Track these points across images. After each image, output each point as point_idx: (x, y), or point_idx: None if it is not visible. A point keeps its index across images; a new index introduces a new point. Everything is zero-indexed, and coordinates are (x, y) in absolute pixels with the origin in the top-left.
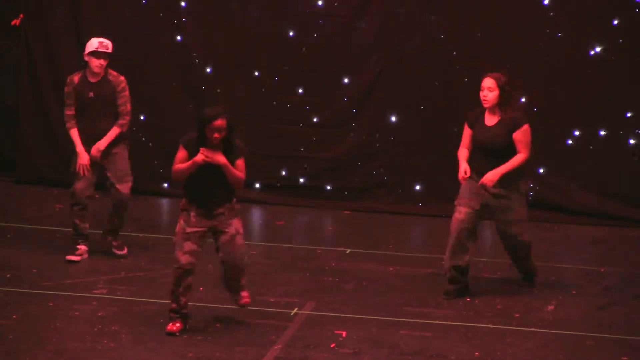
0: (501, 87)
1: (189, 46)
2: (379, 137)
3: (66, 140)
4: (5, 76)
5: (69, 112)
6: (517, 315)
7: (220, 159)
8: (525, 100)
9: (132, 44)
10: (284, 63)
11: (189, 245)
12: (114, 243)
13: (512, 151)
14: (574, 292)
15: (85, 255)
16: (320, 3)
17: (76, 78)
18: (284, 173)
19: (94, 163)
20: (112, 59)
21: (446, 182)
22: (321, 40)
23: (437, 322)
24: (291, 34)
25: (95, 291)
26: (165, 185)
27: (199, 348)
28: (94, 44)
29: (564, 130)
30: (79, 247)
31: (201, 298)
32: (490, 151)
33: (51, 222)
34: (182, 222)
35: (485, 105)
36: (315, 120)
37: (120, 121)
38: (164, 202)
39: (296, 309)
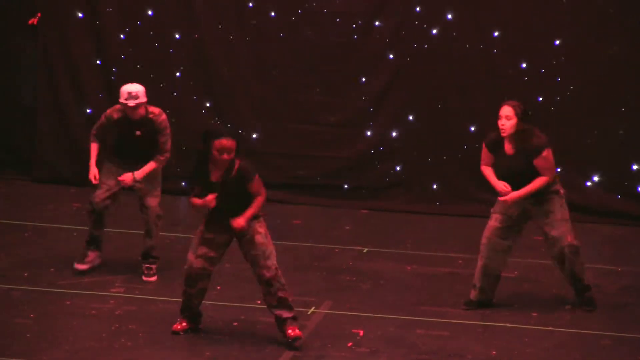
0: (519, 115)
1: (206, 45)
2: (396, 136)
3: (83, 138)
4: (22, 76)
5: (94, 132)
6: (534, 314)
7: (242, 223)
8: (542, 100)
9: (149, 43)
10: (301, 62)
11: (203, 250)
12: (145, 268)
13: (533, 176)
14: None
15: (97, 261)
16: (337, 2)
17: (116, 115)
18: (300, 172)
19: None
20: (129, 58)
21: (463, 181)
22: (338, 39)
23: (454, 321)
24: (308, 33)
25: (113, 290)
26: (183, 183)
27: (216, 347)
28: (123, 94)
29: (581, 129)
30: (89, 253)
31: (218, 297)
32: (511, 180)
33: (68, 221)
34: (202, 226)
35: (503, 134)
36: (332, 119)
37: (160, 157)
38: (182, 200)
39: (313, 307)
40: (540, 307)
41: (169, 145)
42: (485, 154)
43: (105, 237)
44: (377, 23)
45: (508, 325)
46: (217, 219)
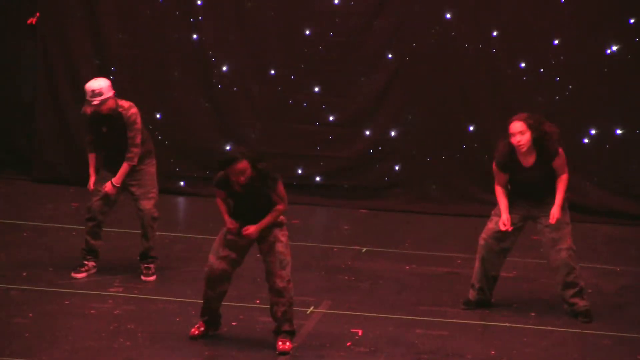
0: (532, 127)
1: (205, 45)
2: (395, 135)
3: (82, 138)
4: (21, 75)
5: (88, 138)
6: (533, 314)
7: (252, 232)
8: (541, 99)
9: (148, 43)
10: (300, 62)
11: (225, 252)
12: (143, 267)
13: (553, 179)
14: (590, 291)
15: (93, 271)
16: (336, 1)
17: (88, 109)
18: (300, 172)
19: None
20: (128, 58)
21: (462, 181)
22: (337, 39)
23: (453, 320)
24: (307, 32)
25: (111, 289)
26: (182, 183)
27: (215, 346)
28: (87, 92)
29: (580, 128)
30: (86, 263)
31: None
32: (534, 189)
33: (67, 221)
34: (225, 228)
35: (522, 150)
36: (331, 119)
37: (128, 154)
38: (180, 200)
39: (312, 307)
40: (539, 307)
41: (137, 140)
42: (499, 175)
43: (102, 247)
44: (376, 22)
45: (507, 324)
46: (240, 222)
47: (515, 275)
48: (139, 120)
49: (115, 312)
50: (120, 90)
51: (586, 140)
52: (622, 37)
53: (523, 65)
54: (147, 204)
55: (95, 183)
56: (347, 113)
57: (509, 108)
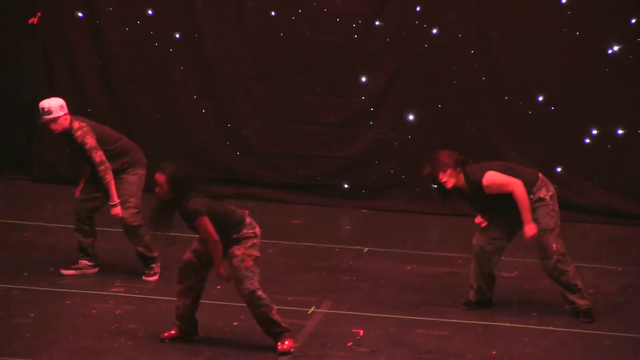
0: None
1: (206, 45)
2: (395, 135)
3: None
4: (22, 75)
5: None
6: (534, 314)
7: (220, 274)
8: (543, 99)
9: (149, 43)
10: (300, 62)
11: (195, 245)
12: (145, 269)
13: (496, 201)
14: (592, 291)
15: (90, 271)
16: (337, 2)
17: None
18: (300, 172)
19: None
20: (129, 58)
21: None
22: (338, 39)
23: (454, 321)
24: (308, 32)
25: (113, 289)
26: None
27: (215, 347)
28: (39, 109)
29: (581, 129)
30: (79, 260)
31: (218, 297)
32: (496, 210)
33: (68, 221)
34: None
35: (449, 186)
36: (332, 119)
37: (99, 175)
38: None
39: (313, 307)
40: (540, 307)
41: (96, 159)
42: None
43: (97, 247)
44: (377, 23)
45: (508, 324)
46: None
47: (516, 275)
48: (87, 140)
49: (116, 312)
50: (121, 90)
51: (587, 140)
52: (623, 37)
53: (524, 65)
54: (125, 213)
55: (81, 191)
56: (348, 113)
57: (510, 108)
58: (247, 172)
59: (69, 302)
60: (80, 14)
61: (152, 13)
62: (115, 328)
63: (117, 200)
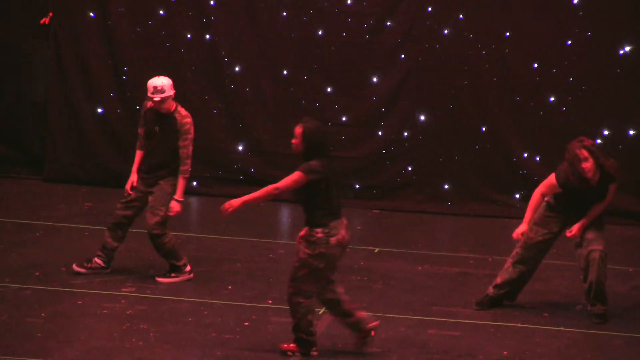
0: (596, 160)
1: (217, 45)
2: (407, 136)
3: (94, 138)
4: (34, 75)
5: (140, 130)
6: (545, 314)
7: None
8: (554, 99)
9: (161, 43)
10: (312, 62)
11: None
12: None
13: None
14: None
15: (97, 271)
16: (349, 2)
17: (149, 103)
18: None
19: (144, 190)
20: (141, 58)
21: (475, 181)
22: (350, 39)
23: (465, 321)
24: (320, 32)
25: (124, 289)
26: (194, 183)
27: (227, 347)
28: (149, 88)
29: (593, 129)
30: (94, 259)
31: (230, 297)
32: (587, 207)
33: (80, 220)
34: None
35: (590, 176)
36: (344, 119)
37: (182, 168)
38: (193, 200)
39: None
40: (552, 307)
41: (190, 151)
42: (552, 188)
43: (117, 252)
44: (388, 23)
45: (519, 325)
46: None
47: None
48: (192, 130)
49: (127, 312)
50: (132, 90)
51: (599, 141)
52: (635, 38)
53: (536, 65)
54: (150, 219)
55: (132, 188)
56: (360, 113)
57: (522, 109)
58: (258, 172)
59: (80, 302)
60: (91, 14)
61: (164, 13)
62: (127, 328)
63: (182, 198)
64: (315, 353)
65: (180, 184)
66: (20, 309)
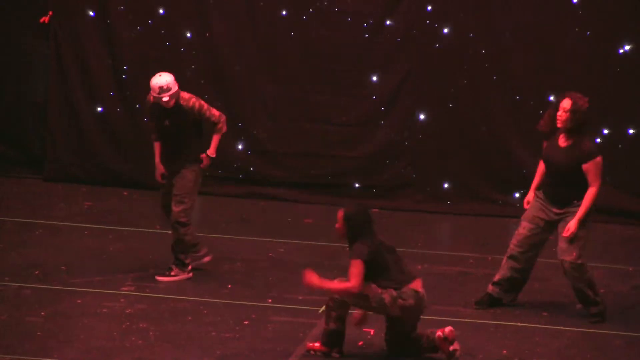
0: (572, 111)
1: (217, 44)
2: (407, 135)
3: (94, 137)
4: (33, 74)
5: (151, 124)
6: (545, 314)
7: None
8: (554, 98)
9: (160, 42)
10: (312, 61)
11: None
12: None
13: (577, 178)
14: (603, 290)
15: (183, 276)
16: (349, 1)
17: (151, 98)
18: (312, 171)
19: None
20: (140, 57)
21: (474, 180)
22: (350, 39)
23: (465, 320)
24: (319, 31)
25: (124, 288)
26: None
27: (226, 346)
28: (154, 89)
29: (592, 128)
30: (173, 267)
31: (230, 295)
32: (555, 173)
33: (79, 220)
34: None
35: (559, 125)
36: (343, 118)
37: (217, 126)
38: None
39: (324, 306)
40: (551, 307)
41: (215, 115)
42: (543, 145)
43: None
44: (388, 22)
45: (519, 324)
46: None
47: None
48: (201, 102)
49: (127, 311)
50: (132, 89)
51: (598, 140)
52: (634, 37)
53: (535, 64)
54: (176, 208)
55: (163, 177)
56: (359, 113)
57: (521, 108)
58: (258, 172)
59: (79, 301)
60: (91, 13)
61: (163, 12)
62: (126, 327)
63: (214, 155)
64: (336, 355)
65: (214, 139)
66: (20, 308)
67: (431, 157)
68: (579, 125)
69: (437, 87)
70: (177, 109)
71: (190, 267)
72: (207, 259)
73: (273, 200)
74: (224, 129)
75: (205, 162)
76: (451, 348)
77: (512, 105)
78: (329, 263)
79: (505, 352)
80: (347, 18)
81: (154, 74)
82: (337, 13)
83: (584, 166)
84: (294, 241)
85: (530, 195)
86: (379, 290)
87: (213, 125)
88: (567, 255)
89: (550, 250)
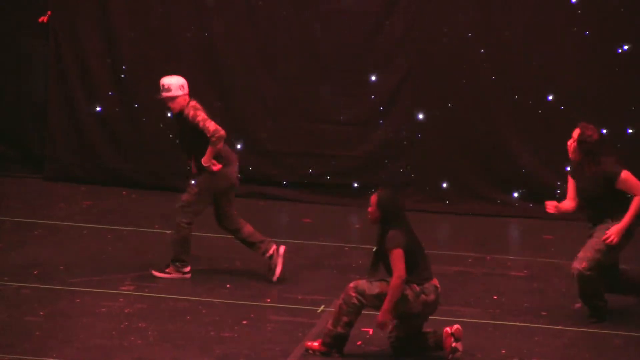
0: (579, 142)
1: (216, 43)
2: (406, 135)
3: (93, 137)
4: (33, 74)
5: (172, 136)
6: (544, 313)
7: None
8: (553, 98)
9: (159, 41)
10: (311, 60)
11: None
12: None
13: (608, 202)
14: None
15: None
16: (348, 1)
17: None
18: (311, 171)
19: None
20: (139, 56)
21: (473, 180)
22: (349, 38)
23: (464, 319)
24: (319, 31)
25: (123, 288)
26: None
27: (225, 345)
28: (159, 86)
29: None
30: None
31: (228, 295)
32: (589, 201)
33: (79, 219)
34: None
35: (569, 155)
36: (342, 118)
37: (211, 140)
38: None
39: (323, 306)
40: (550, 306)
41: (211, 127)
42: (569, 184)
43: (247, 236)
44: (388, 22)
45: (518, 324)
46: None
47: (526, 274)
48: (199, 113)
49: (126, 311)
50: (131, 89)
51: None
52: (633, 37)
53: (534, 64)
54: (183, 196)
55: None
56: (359, 112)
57: (521, 107)
58: (257, 171)
59: (79, 300)
60: (90, 13)
61: (162, 11)
62: (125, 327)
63: (207, 163)
64: (336, 355)
65: (208, 149)
66: (19, 308)
67: (430, 156)
68: (591, 155)
69: (437, 87)
70: (181, 116)
71: (187, 269)
72: (187, 275)
73: (271, 199)
74: (219, 145)
75: (205, 163)
76: (454, 344)
77: (511, 105)
78: (328, 262)
79: (504, 351)
80: (347, 18)
81: (153, 74)
82: (337, 13)
83: (616, 187)
84: (292, 241)
85: (563, 203)
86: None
87: (208, 139)
88: (577, 263)
89: (549, 250)
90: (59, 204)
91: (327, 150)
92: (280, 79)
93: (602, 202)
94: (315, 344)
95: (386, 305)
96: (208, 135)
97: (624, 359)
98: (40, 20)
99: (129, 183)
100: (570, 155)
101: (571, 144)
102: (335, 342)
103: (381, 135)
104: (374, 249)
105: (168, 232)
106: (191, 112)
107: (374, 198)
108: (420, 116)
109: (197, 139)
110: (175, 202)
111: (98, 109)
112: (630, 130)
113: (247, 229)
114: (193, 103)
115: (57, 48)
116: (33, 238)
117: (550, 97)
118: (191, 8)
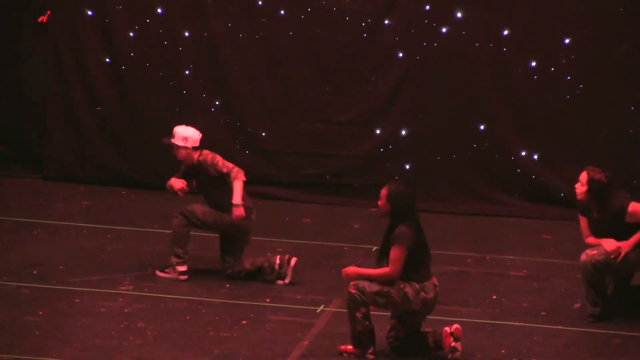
0: (590, 189)
1: (215, 43)
2: (406, 134)
3: (92, 137)
4: (32, 74)
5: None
6: (543, 313)
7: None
8: (553, 98)
9: (159, 41)
10: (311, 60)
11: None
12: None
13: (624, 232)
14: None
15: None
16: (347, 0)
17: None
18: (310, 170)
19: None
20: (139, 56)
21: (473, 180)
22: (348, 38)
23: (463, 319)
24: (318, 31)
25: (122, 288)
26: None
27: (225, 345)
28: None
29: (591, 128)
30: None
31: (228, 295)
32: (602, 236)
33: (78, 219)
34: None
35: (577, 197)
36: (342, 118)
37: (231, 176)
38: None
39: (322, 306)
40: (550, 306)
41: (227, 166)
42: (582, 222)
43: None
44: (386, 21)
45: (517, 323)
46: None
47: (525, 274)
48: (217, 157)
49: (125, 311)
50: (130, 88)
51: (598, 139)
52: (633, 36)
53: (534, 64)
54: (194, 206)
55: None
56: (358, 112)
57: (520, 107)
58: (257, 171)
59: (78, 300)
60: (89, 12)
61: (162, 11)
62: (125, 326)
63: (238, 202)
64: (371, 356)
65: (234, 187)
66: (18, 308)
67: (430, 156)
68: (601, 200)
69: (436, 86)
70: (199, 166)
71: (184, 268)
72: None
73: (271, 199)
74: (240, 176)
75: (235, 212)
76: (453, 344)
77: (511, 105)
78: (327, 262)
79: (503, 351)
80: (346, 17)
81: (152, 74)
82: (336, 12)
83: (627, 220)
84: (292, 241)
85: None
86: (401, 284)
87: (229, 178)
88: (586, 255)
89: (548, 250)
90: (58, 203)
91: (327, 150)
92: (280, 79)
93: (621, 235)
94: (349, 347)
95: (364, 272)
96: (227, 172)
97: (624, 359)
98: (39, 20)
99: (129, 183)
100: (578, 197)
101: (579, 187)
102: (364, 340)
103: (380, 135)
104: (374, 249)
105: (168, 232)
106: (210, 156)
107: (384, 191)
108: (420, 116)
109: (221, 185)
110: (175, 202)
111: (98, 108)
112: (631, 130)
113: (247, 261)
114: (207, 152)
115: (57, 48)
116: (32, 238)
117: (550, 97)
118: (190, 8)
